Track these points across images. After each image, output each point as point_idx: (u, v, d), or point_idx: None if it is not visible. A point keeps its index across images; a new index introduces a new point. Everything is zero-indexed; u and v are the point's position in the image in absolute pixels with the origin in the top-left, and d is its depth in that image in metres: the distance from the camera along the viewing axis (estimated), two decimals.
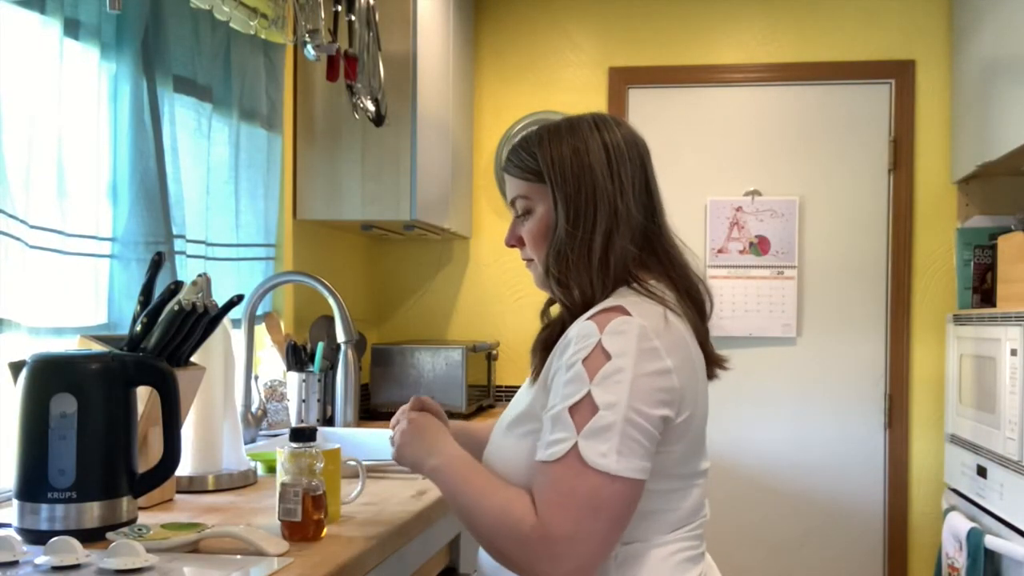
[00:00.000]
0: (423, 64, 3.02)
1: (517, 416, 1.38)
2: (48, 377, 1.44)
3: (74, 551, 1.29)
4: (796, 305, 3.66)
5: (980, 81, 3.22)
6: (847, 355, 3.64)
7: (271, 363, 2.80)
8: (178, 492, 1.80)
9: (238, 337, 2.39)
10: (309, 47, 2.37)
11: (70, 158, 1.87)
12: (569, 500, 1.21)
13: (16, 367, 1.49)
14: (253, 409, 2.49)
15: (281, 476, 1.48)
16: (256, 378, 2.57)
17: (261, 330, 2.74)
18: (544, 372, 1.35)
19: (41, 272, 1.79)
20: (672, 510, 1.33)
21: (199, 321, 1.72)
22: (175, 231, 2.19)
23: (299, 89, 2.96)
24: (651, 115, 3.76)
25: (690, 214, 3.69)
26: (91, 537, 1.40)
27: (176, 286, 1.70)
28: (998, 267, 3.14)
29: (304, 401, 2.73)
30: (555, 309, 1.48)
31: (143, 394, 1.59)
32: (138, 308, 1.72)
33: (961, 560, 2.87)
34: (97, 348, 1.69)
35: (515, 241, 1.47)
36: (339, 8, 2.52)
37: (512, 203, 1.46)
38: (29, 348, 1.68)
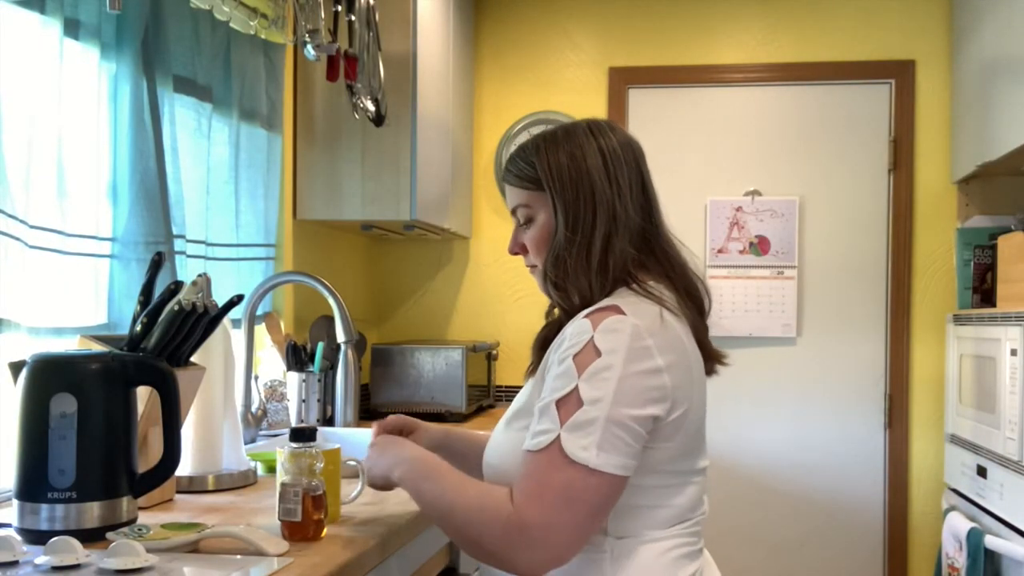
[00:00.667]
0: (423, 64, 3.02)
1: (515, 411, 1.41)
2: (48, 377, 1.44)
3: (74, 551, 1.29)
4: (796, 305, 3.66)
5: (980, 81, 3.22)
6: (847, 355, 3.64)
7: (271, 363, 2.80)
8: (178, 492, 1.80)
9: (238, 337, 2.39)
10: (309, 47, 2.37)
11: (70, 158, 1.87)
12: (546, 490, 1.24)
13: (16, 367, 1.49)
14: (253, 409, 2.49)
15: (281, 476, 1.48)
16: (256, 378, 2.57)
17: (261, 330, 2.74)
18: (541, 368, 1.38)
19: (41, 272, 1.79)
20: (666, 506, 1.35)
21: (199, 321, 1.72)
22: (175, 231, 2.19)
23: (299, 89, 2.96)
24: (651, 115, 3.76)
25: (690, 214, 3.69)
26: (91, 537, 1.40)
27: (176, 286, 1.70)
28: (998, 267, 3.14)
29: (304, 401, 2.73)
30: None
31: (143, 394, 1.59)
32: (138, 308, 1.72)
33: (961, 560, 2.87)
34: (97, 348, 1.69)
35: (518, 249, 1.50)
36: (339, 8, 2.52)
37: (514, 212, 1.49)
38: (29, 348, 1.68)
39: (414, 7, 2.95)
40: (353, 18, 2.56)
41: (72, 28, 1.86)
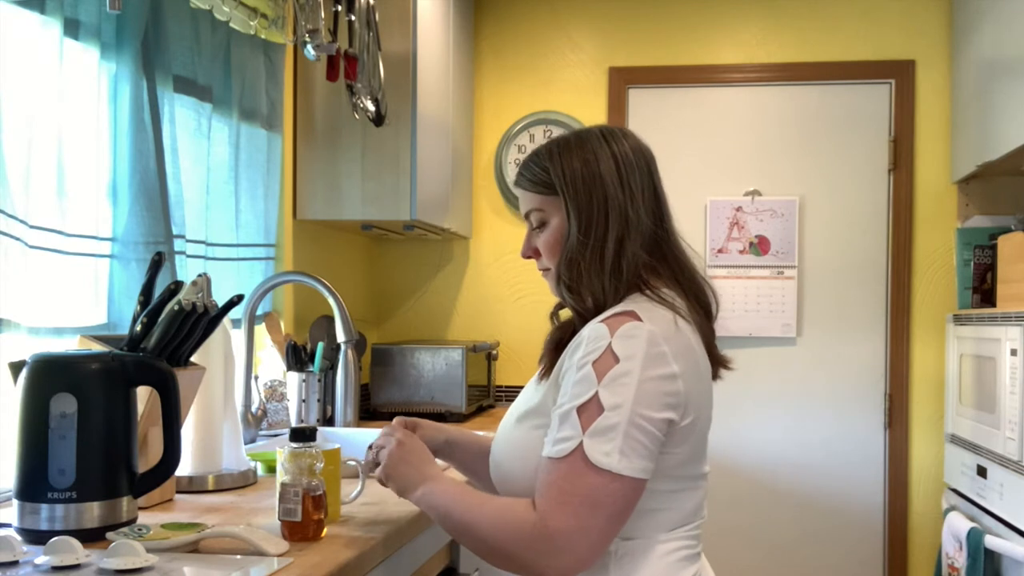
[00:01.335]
0: (423, 64, 3.02)
1: (528, 410, 1.42)
2: (48, 377, 1.44)
3: (74, 551, 1.29)
4: (796, 305, 3.66)
5: (980, 81, 3.22)
6: (847, 355, 3.64)
7: (271, 363, 2.80)
8: (178, 492, 1.80)
9: (238, 337, 2.39)
10: (309, 47, 2.37)
11: (70, 158, 1.87)
12: (571, 496, 1.26)
13: (16, 367, 1.49)
14: (253, 409, 2.49)
15: (281, 476, 1.48)
16: (256, 378, 2.57)
17: (261, 330, 2.74)
18: (556, 370, 1.39)
19: (41, 272, 1.79)
20: (673, 510, 1.37)
21: (199, 321, 1.72)
22: (175, 231, 2.19)
23: (299, 89, 2.96)
24: (651, 115, 3.76)
25: (690, 214, 3.69)
26: (91, 537, 1.40)
27: (176, 286, 1.70)
28: (998, 267, 3.14)
29: (304, 401, 2.73)
30: (564, 312, 1.53)
31: (143, 394, 1.59)
32: (138, 308, 1.72)
33: (961, 560, 2.87)
34: (97, 348, 1.69)
35: (531, 252, 1.51)
36: (339, 8, 2.52)
37: (527, 216, 1.51)
38: (29, 348, 1.68)
39: (414, 7, 2.95)
40: (353, 18, 2.56)
41: (72, 28, 1.86)
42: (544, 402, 1.39)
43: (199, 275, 1.72)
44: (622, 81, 3.77)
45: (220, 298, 1.79)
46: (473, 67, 3.79)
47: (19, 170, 1.72)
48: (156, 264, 1.75)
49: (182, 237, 2.23)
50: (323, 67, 2.57)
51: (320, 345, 2.80)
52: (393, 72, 2.88)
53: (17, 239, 1.70)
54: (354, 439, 2.57)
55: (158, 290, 1.72)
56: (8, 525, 1.45)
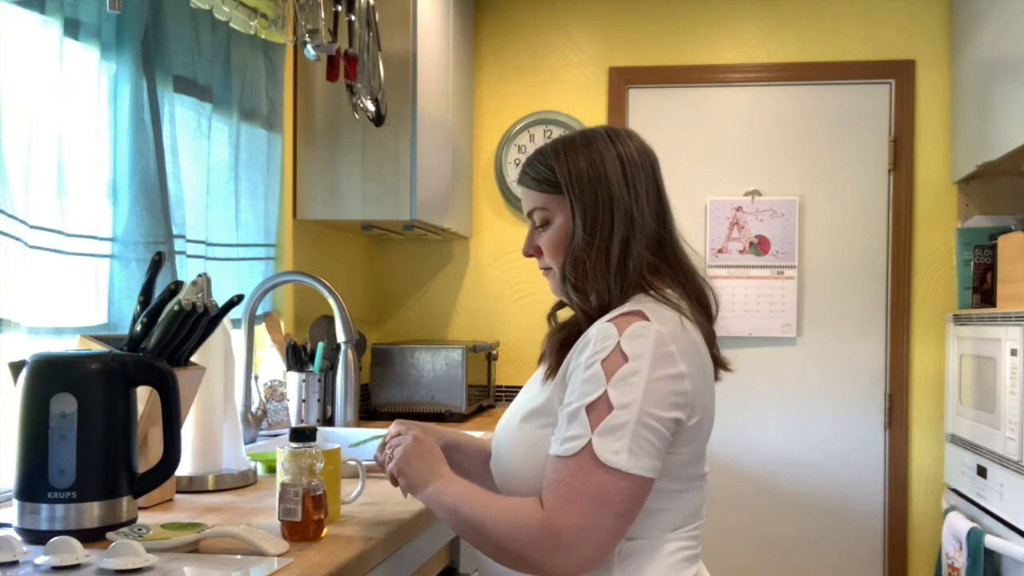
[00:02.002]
0: (423, 64, 3.02)
1: (533, 410, 1.42)
2: (48, 377, 1.44)
3: (74, 551, 1.29)
4: (796, 305, 3.66)
5: (980, 81, 3.22)
6: (847, 355, 3.64)
7: (271, 363, 2.80)
8: (178, 492, 1.80)
9: (238, 337, 2.39)
10: (309, 47, 2.37)
11: (70, 158, 1.87)
12: (579, 495, 1.27)
13: (16, 367, 1.49)
14: (253, 409, 2.49)
15: (281, 476, 1.48)
16: (256, 378, 2.57)
17: (261, 330, 2.74)
18: (562, 370, 1.39)
19: (41, 272, 1.79)
20: (677, 509, 1.38)
21: (199, 321, 1.72)
22: (175, 231, 2.19)
23: (299, 89, 2.96)
24: (651, 115, 3.76)
25: (690, 214, 3.69)
26: (91, 537, 1.40)
27: (176, 286, 1.70)
28: (998, 267, 3.14)
29: (304, 401, 2.73)
30: (562, 313, 1.54)
31: (143, 394, 1.59)
32: (138, 308, 1.72)
33: (961, 560, 2.87)
34: (97, 348, 1.69)
35: (533, 251, 1.52)
36: (339, 8, 2.52)
37: (529, 214, 1.51)
38: (29, 348, 1.68)
39: (414, 7, 2.95)
40: (353, 18, 2.56)
41: (72, 28, 1.86)
42: (550, 401, 1.39)
43: (199, 275, 1.72)
44: (622, 81, 3.77)
45: (220, 298, 1.79)
46: (473, 67, 3.79)
47: (19, 170, 1.72)
48: (156, 264, 1.75)
49: (182, 237, 2.23)
50: (323, 67, 2.57)
51: (320, 345, 2.80)
52: (393, 72, 2.88)
53: (17, 239, 1.70)
54: (354, 439, 2.56)
55: (158, 290, 1.72)
56: (8, 525, 1.45)
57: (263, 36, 2.62)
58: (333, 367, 2.80)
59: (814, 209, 3.67)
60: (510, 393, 3.69)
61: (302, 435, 1.50)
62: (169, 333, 1.67)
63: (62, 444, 1.41)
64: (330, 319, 2.71)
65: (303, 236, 3.03)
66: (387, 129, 2.84)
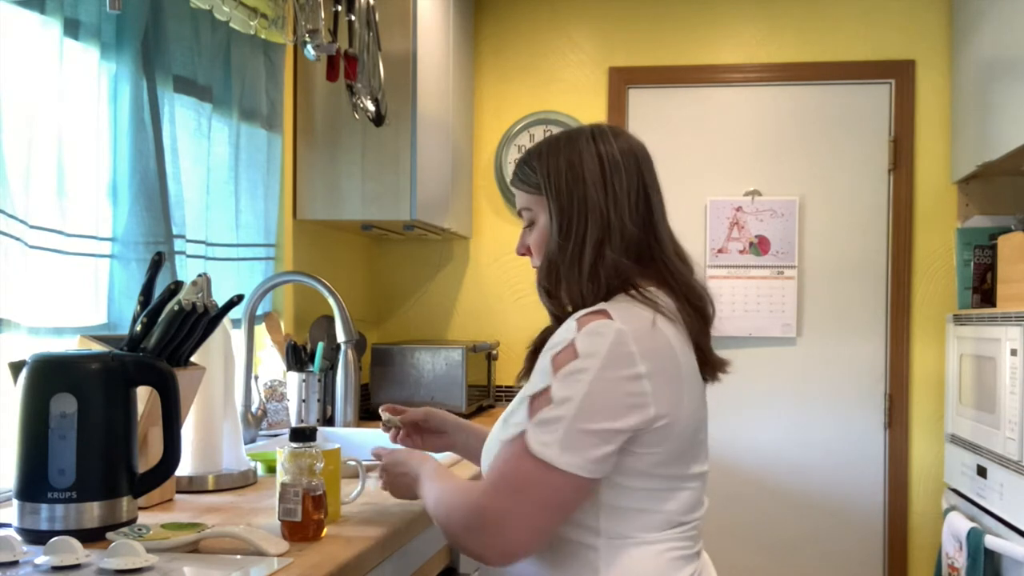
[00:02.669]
0: (423, 64, 3.02)
1: (508, 413, 1.43)
2: (48, 377, 1.44)
3: (74, 551, 1.29)
4: (796, 305, 3.66)
5: (980, 81, 3.22)
6: (847, 355, 3.64)
7: (271, 363, 2.80)
8: (178, 492, 1.80)
9: (238, 337, 2.39)
10: (309, 47, 2.37)
11: (70, 158, 1.87)
12: (503, 479, 1.29)
13: (16, 367, 1.49)
14: (253, 409, 2.49)
15: (281, 476, 1.48)
16: (256, 378, 2.57)
17: (261, 330, 2.74)
18: (535, 370, 1.40)
19: (41, 272, 1.79)
20: (657, 511, 1.36)
21: (199, 321, 1.72)
22: (175, 231, 2.19)
23: (299, 89, 2.96)
24: (651, 115, 3.76)
25: (690, 214, 3.69)
26: (91, 537, 1.40)
27: (176, 286, 1.70)
28: (998, 267, 3.14)
29: (304, 401, 2.73)
30: None
31: (143, 394, 1.59)
32: (138, 308, 1.72)
33: (961, 560, 2.87)
34: (97, 348, 1.69)
35: (524, 250, 1.53)
36: (339, 8, 2.52)
37: (519, 213, 1.52)
38: (29, 348, 1.68)
39: (414, 7, 2.95)
40: (353, 18, 2.56)
41: (72, 28, 1.86)
42: (519, 401, 1.39)
43: (199, 275, 1.72)
44: (622, 81, 3.77)
45: (220, 298, 1.79)
46: (473, 67, 3.79)
47: (19, 170, 1.72)
48: (156, 264, 1.75)
49: (182, 237, 2.23)
50: (323, 67, 2.57)
51: (320, 345, 2.80)
52: (393, 72, 2.88)
53: (17, 239, 1.70)
54: (354, 439, 2.57)
55: (158, 290, 1.72)
56: (8, 525, 1.45)
57: (263, 36, 2.62)
58: (333, 367, 2.80)
59: (814, 209, 3.67)
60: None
61: (302, 435, 1.50)
62: (169, 333, 1.67)
63: (62, 444, 1.41)
64: (330, 319, 2.71)
65: (303, 236, 3.03)
66: (387, 129, 2.84)
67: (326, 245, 3.27)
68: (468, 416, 3.22)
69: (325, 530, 1.49)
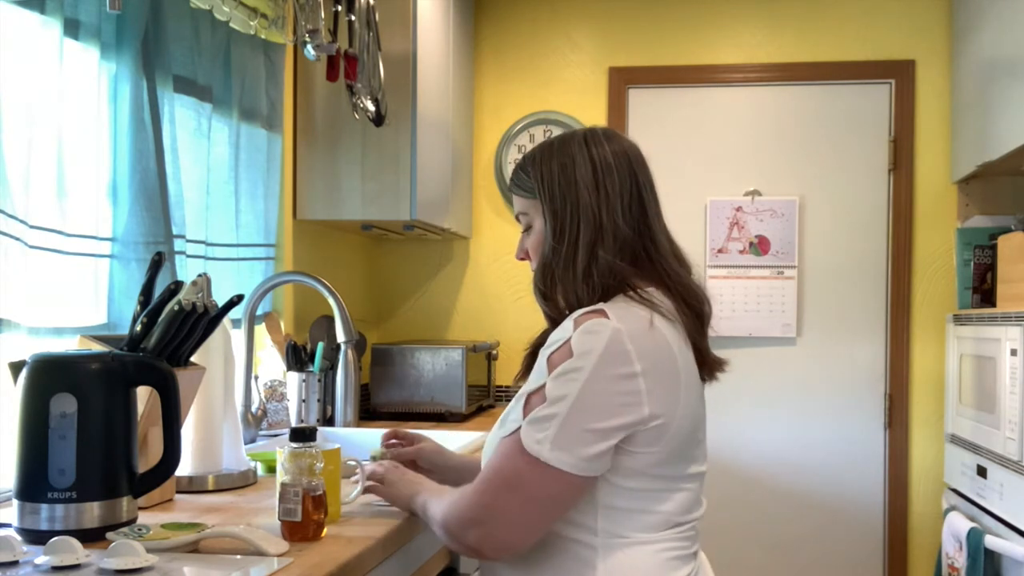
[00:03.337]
0: (423, 64, 3.02)
1: (507, 412, 1.44)
2: (48, 377, 1.44)
3: (74, 551, 1.29)
4: (796, 305, 3.66)
5: (980, 81, 3.22)
6: (847, 355, 3.64)
7: (271, 363, 2.80)
8: (178, 492, 1.80)
9: (238, 337, 2.39)
10: (309, 47, 2.37)
11: (70, 158, 1.87)
12: (496, 475, 1.32)
13: (16, 367, 1.49)
14: (253, 409, 2.49)
15: (281, 476, 1.48)
16: (256, 378, 2.57)
17: (261, 330, 2.74)
18: (533, 370, 1.42)
19: (41, 272, 1.79)
20: (653, 511, 1.37)
21: (199, 321, 1.71)
22: (175, 231, 2.19)
23: (299, 89, 2.96)
24: (651, 115, 3.76)
25: (690, 214, 3.69)
26: (91, 537, 1.40)
27: (176, 286, 1.70)
28: (998, 267, 3.14)
29: (304, 401, 2.73)
30: None
31: (143, 394, 1.59)
32: (138, 308, 1.72)
33: (961, 560, 2.87)
34: (97, 348, 1.69)
35: (524, 254, 1.55)
36: (339, 8, 2.52)
37: (517, 218, 1.54)
38: (29, 348, 1.68)
39: (414, 7, 2.95)
40: (353, 18, 2.56)
41: (72, 28, 1.86)
42: (516, 400, 1.41)
43: (199, 275, 1.72)
44: (622, 81, 3.77)
45: (220, 298, 1.79)
46: (473, 67, 3.79)
47: (19, 170, 1.72)
48: (156, 264, 1.75)
49: (182, 237, 2.23)
50: (323, 67, 2.57)
51: (320, 345, 2.80)
52: (393, 72, 2.88)
53: (17, 239, 1.70)
54: (354, 439, 2.57)
55: (158, 290, 1.72)
56: (8, 525, 1.45)
57: (263, 36, 2.62)
58: (333, 367, 2.80)
59: (814, 209, 3.67)
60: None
61: (302, 435, 1.50)
62: (169, 333, 1.67)
63: (62, 444, 1.41)
64: (330, 319, 2.71)
65: (303, 236, 3.03)
66: (387, 129, 2.84)
67: (326, 245, 3.27)
68: (468, 416, 3.22)
69: (325, 530, 1.49)
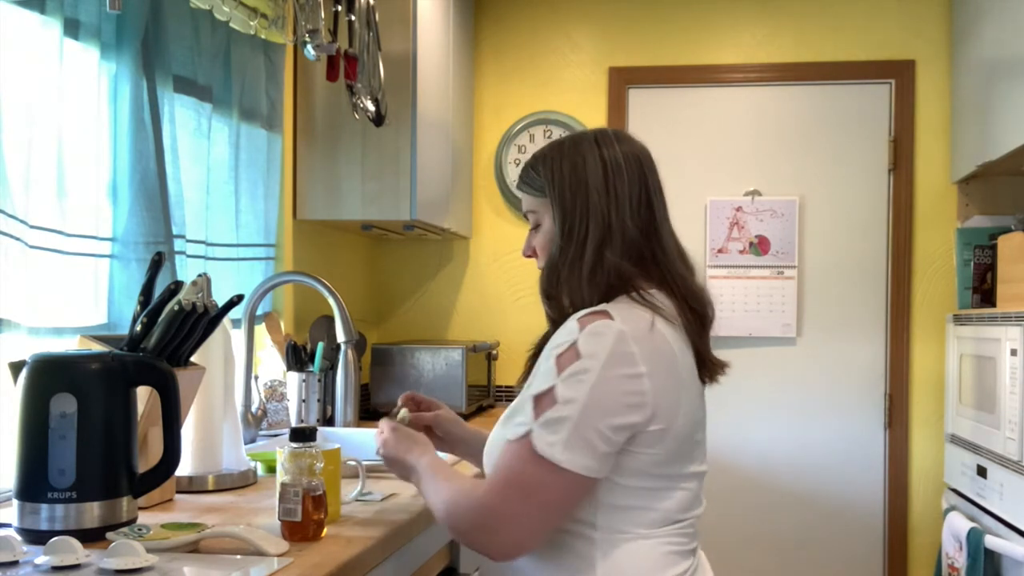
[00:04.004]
0: (423, 64, 3.02)
1: (507, 413, 1.44)
2: (48, 377, 1.44)
3: (74, 551, 1.29)
4: (796, 305, 3.66)
5: (980, 81, 3.22)
6: (847, 355, 3.64)
7: (271, 363, 2.80)
8: (178, 492, 1.80)
9: (238, 337, 2.39)
10: (309, 47, 2.37)
11: (70, 158, 1.87)
12: (510, 480, 1.31)
13: (16, 367, 1.49)
14: (253, 409, 2.49)
15: (281, 476, 1.48)
16: (256, 378, 2.57)
17: (261, 330, 2.74)
18: (534, 370, 1.42)
19: (41, 272, 1.79)
20: (653, 509, 1.38)
21: (199, 321, 1.72)
22: (175, 231, 2.19)
23: (299, 89, 2.96)
24: (651, 115, 3.76)
25: (690, 214, 3.69)
26: (91, 537, 1.40)
27: (176, 286, 1.70)
28: (998, 267, 3.14)
29: (304, 401, 2.73)
30: None
31: (143, 394, 1.59)
32: (138, 308, 1.72)
33: (961, 560, 2.87)
34: (97, 348, 1.69)
35: (530, 252, 1.54)
36: (339, 8, 2.52)
37: (526, 216, 1.54)
38: (29, 348, 1.68)
39: (414, 7, 2.95)
40: (353, 18, 2.56)
41: (72, 28, 1.86)
42: (522, 403, 1.39)
43: (199, 275, 1.72)
44: (622, 81, 3.77)
45: (220, 298, 1.79)
46: (473, 67, 3.79)
47: (19, 170, 1.72)
48: (156, 264, 1.75)
49: (182, 237, 2.23)
50: (323, 67, 2.57)
51: (320, 345, 2.80)
52: (393, 72, 2.88)
53: (17, 239, 1.70)
54: (354, 439, 2.56)
55: (158, 290, 1.72)
56: (8, 525, 1.45)
57: (263, 36, 2.62)
58: (333, 367, 2.80)
59: (814, 209, 3.67)
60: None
61: (302, 435, 1.50)
62: (169, 333, 1.67)
63: (62, 444, 1.41)
64: (330, 319, 2.71)
65: (303, 236, 3.03)
66: (387, 129, 2.84)
67: (326, 245, 3.27)
68: (468, 416, 3.22)
69: (325, 530, 1.49)
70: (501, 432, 1.42)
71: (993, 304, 3.21)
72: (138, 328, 1.68)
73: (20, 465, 1.44)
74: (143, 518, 1.54)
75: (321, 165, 2.96)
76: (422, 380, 3.21)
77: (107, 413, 1.45)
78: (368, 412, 3.24)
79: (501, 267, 3.83)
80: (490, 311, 3.84)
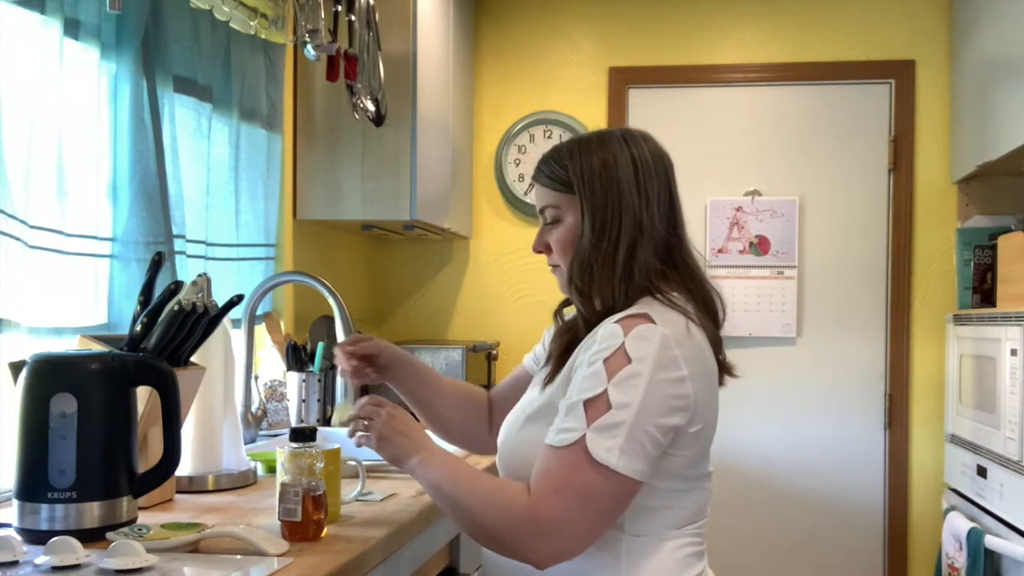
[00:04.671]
0: (423, 64, 3.02)
1: (538, 410, 1.43)
2: (48, 377, 1.44)
3: (74, 551, 1.29)
4: (796, 305, 3.66)
5: (980, 81, 3.22)
6: (847, 355, 3.64)
7: (271, 363, 2.80)
8: (178, 492, 1.80)
9: (238, 337, 2.39)
10: (309, 47, 2.37)
11: (70, 158, 1.87)
12: (567, 487, 1.28)
13: (16, 367, 1.49)
14: (253, 409, 2.49)
15: (281, 476, 1.48)
16: (256, 378, 2.57)
17: (261, 330, 2.74)
18: (566, 369, 1.40)
19: (41, 272, 1.79)
20: (680, 508, 1.40)
21: (199, 321, 1.72)
22: (175, 231, 2.19)
23: (299, 89, 2.96)
24: (651, 115, 3.76)
25: (690, 214, 3.59)
26: (91, 537, 1.39)
27: (176, 286, 1.70)
28: (998, 267, 3.14)
29: (304, 401, 2.73)
30: (569, 309, 1.54)
31: (143, 394, 1.59)
32: (138, 308, 1.72)
33: (961, 560, 2.87)
34: (97, 348, 1.69)
35: (542, 247, 1.52)
36: (339, 8, 2.52)
37: (541, 211, 1.51)
38: (29, 348, 1.68)
39: (414, 7, 2.95)
40: (353, 18, 2.56)
41: (72, 28, 1.86)
42: (554, 399, 1.39)
43: (199, 275, 1.72)
44: (622, 81, 3.77)
45: (220, 298, 1.79)
46: (473, 67, 3.79)
47: (19, 170, 1.72)
48: (156, 264, 1.75)
49: (182, 237, 2.23)
50: (323, 67, 2.57)
51: (320, 345, 2.80)
52: (393, 72, 2.88)
53: (17, 239, 1.70)
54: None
55: (158, 290, 1.72)
56: (8, 525, 1.45)
57: (263, 36, 2.62)
58: (333, 367, 2.79)
59: (814, 209, 3.67)
60: None
61: (302, 435, 1.50)
62: (169, 333, 1.67)
63: (62, 444, 1.41)
64: (330, 319, 2.71)
65: (303, 236, 3.03)
66: (387, 129, 2.84)
67: (326, 245, 3.27)
68: None
69: (325, 530, 1.49)
70: (532, 433, 1.40)
71: (993, 304, 3.21)
72: (138, 328, 1.68)
73: (20, 465, 1.43)
74: (143, 518, 1.54)
75: (321, 165, 2.96)
76: None
77: (107, 413, 1.45)
78: None
79: (501, 267, 3.83)
80: (490, 311, 3.84)
